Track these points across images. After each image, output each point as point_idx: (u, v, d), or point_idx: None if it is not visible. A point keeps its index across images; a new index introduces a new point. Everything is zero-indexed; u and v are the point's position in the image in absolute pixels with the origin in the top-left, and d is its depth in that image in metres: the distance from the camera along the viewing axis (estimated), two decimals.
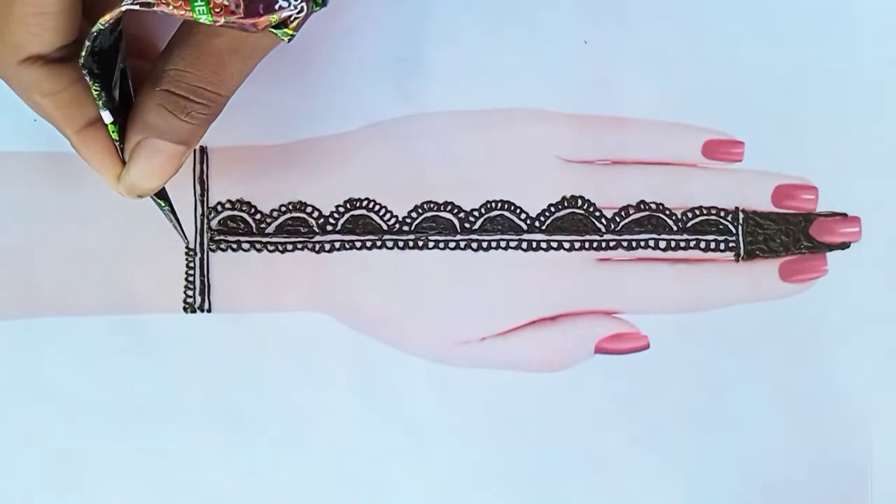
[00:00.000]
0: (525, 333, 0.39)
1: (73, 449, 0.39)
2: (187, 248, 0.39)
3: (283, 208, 0.39)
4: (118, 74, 0.33)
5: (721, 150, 0.40)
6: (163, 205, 0.36)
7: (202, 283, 0.39)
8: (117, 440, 0.39)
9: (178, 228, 0.37)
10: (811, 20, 0.40)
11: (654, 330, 0.39)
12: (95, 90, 0.31)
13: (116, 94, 0.32)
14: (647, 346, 0.39)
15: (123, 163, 0.33)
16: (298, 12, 0.31)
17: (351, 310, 0.39)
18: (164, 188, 0.35)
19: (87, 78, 0.31)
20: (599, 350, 0.39)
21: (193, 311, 0.39)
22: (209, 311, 0.39)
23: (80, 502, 0.39)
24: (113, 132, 0.32)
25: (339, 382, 0.39)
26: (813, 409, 0.40)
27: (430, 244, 0.39)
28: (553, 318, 0.39)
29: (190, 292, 0.39)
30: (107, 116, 0.32)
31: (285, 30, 0.31)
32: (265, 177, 0.39)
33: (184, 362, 0.39)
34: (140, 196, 0.33)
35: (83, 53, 0.30)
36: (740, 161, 0.40)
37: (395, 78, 0.39)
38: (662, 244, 0.40)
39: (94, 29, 0.30)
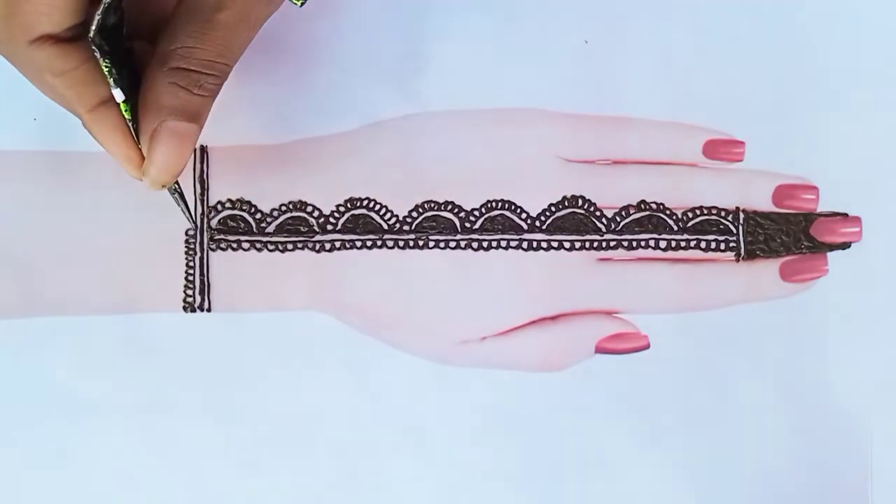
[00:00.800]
0: (525, 333, 0.39)
1: (73, 448, 0.38)
2: (188, 241, 0.39)
3: (284, 207, 0.39)
4: (124, 55, 0.33)
5: (722, 149, 0.40)
6: (174, 187, 0.36)
7: (202, 282, 0.39)
8: (117, 439, 0.39)
9: (185, 211, 0.37)
10: (812, 20, 0.40)
11: (655, 330, 0.39)
12: (106, 66, 0.31)
13: (125, 74, 0.33)
14: (647, 346, 0.39)
15: (136, 143, 0.33)
16: None
17: (351, 309, 0.39)
18: None
19: (98, 54, 0.31)
20: (600, 350, 0.39)
21: (193, 311, 0.39)
22: (209, 310, 0.39)
23: (79, 501, 0.38)
24: (125, 111, 0.32)
25: (339, 382, 0.39)
26: (813, 408, 0.40)
27: (431, 244, 0.39)
28: (553, 318, 0.39)
29: (190, 291, 0.39)
30: (118, 94, 0.32)
31: None
32: (265, 176, 0.39)
33: (183, 361, 0.39)
34: (164, 186, 0.34)
35: (93, 28, 0.31)
36: (741, 161, 0.40)
37: (396, 77, 0.39)
38: (663, 244, 0.40)
39: (105, 1, 0.30)
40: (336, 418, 0.39)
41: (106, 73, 0.32)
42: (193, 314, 0.39)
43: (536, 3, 0.40)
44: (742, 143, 0.40)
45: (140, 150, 0.33)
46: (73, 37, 0.32)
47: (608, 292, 0.39)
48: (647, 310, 0.39)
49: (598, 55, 0.40)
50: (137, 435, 0.39)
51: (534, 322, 0.39)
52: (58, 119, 0.39)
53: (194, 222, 0.38)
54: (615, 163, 0.40)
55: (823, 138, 0.40)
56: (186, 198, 0.37)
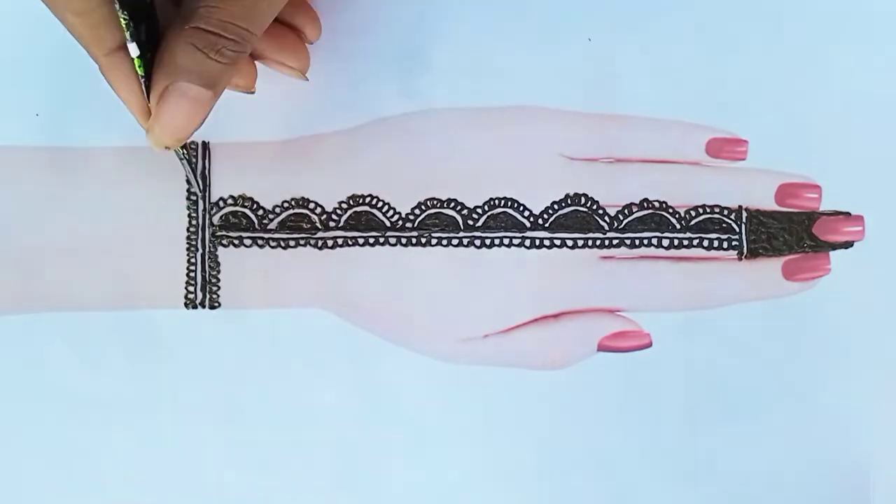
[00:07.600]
0: (528, 331, 0.39)
1: (74, 445, 0.38)
2: (189, 237, 0.39)
3: (286, 204, 0.39)
4: (147, 8, 0.32)
5: (725, 148, 0.40)
6: (181, 153, 0.35)
7: (203, 279, 0.39)
8: (119, 436, 0.38)
9: (192, 176, 0.37)
10: (815, 19, 0.40)
11: (657, 328, 0.39)
12: (124, 18, 0.30)
13: (143, 30, 0.31)
14: (649, 345, 0.39)
15: (148, 102, 0.32)
16: None
17: (353, 306, 0.39)
18: None
19: (117, 5, 0.30)
20: (602, 348, 0.39)
21: (195, 308, 0.39)
22: (210, 307, 0.39)
23: (80, 498, 0.38)
24: (139, 67, 0.32)
25: (341, 379, 0.39)
26: (815, 407, 0.40)
27: (434, 241, 0.39)
28: (556, 316, 0.39)
29: (191, 288, 0.39)
30: (133, 49, 0.31)
31: None
32: (268, 172, 0.39)
33: (185, 358, 0.39)
34: (167, 147, 0.33)
35: None
36: (744, 159, 0.40)
37: (399, 74, 0.39)
38: (665, 242, 0.40)
39: None
40: (337, 415, 0.39)
41: (123, 25, 0.30)
42: (195, 311, 0.39)
43: (540, 1, 0.40)
44: (745, 141, 0.40)
45: None
46: None
47: (611, 290, 0.39)
48: (649, 308, 0.39)
49: (602, 53, 0.40)
50: (138, 432, 0.39)
51: (536, 320, 0.39)
52: (60, 114, 0.39)
53: (199, 186, 0.38)
54: (618, 161, 0.40)
55: (826, 137, 0.40)
56: (194, 163, 0.37)
